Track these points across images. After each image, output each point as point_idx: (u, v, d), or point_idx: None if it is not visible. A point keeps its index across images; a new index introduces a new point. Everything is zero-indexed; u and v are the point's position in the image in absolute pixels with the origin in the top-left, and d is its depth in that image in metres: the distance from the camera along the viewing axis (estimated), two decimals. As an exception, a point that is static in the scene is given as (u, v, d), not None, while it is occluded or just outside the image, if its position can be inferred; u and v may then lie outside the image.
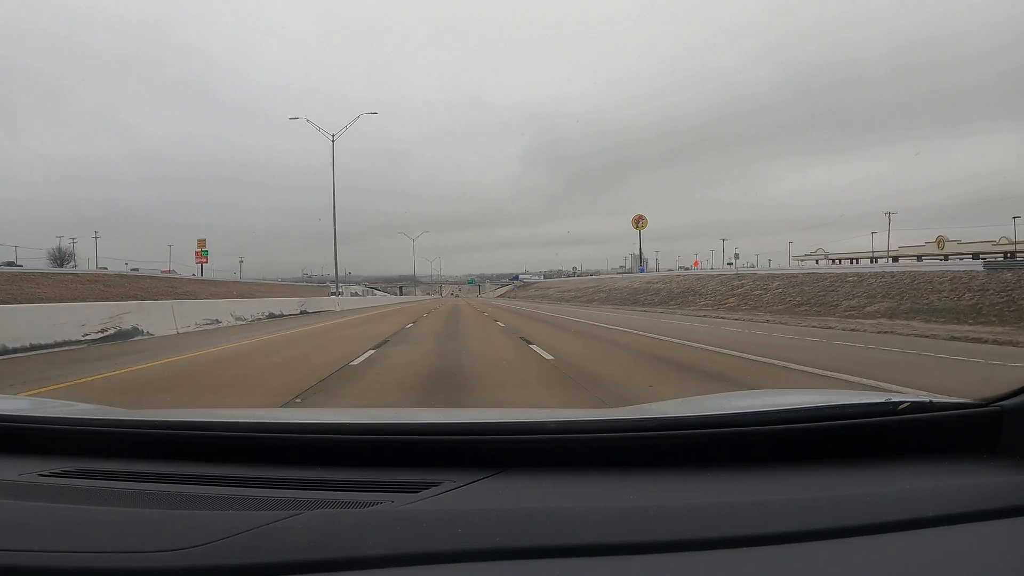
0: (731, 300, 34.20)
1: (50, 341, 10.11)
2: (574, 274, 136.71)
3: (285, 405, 4.96)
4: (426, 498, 1.01)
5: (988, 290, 20.07)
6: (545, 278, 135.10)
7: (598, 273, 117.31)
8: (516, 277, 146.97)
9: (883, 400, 1.18)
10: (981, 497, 0.97)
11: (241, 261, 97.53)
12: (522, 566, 0.84)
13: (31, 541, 0.90)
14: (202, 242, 71.04)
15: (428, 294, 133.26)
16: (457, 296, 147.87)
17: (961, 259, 44.37)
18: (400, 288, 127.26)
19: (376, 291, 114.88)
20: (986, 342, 10.87)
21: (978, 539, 0.89)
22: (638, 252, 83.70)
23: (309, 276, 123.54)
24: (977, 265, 25.49)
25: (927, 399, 1.18)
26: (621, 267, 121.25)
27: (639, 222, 74.64)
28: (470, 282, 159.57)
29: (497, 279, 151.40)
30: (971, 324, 15.92)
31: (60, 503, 1.03)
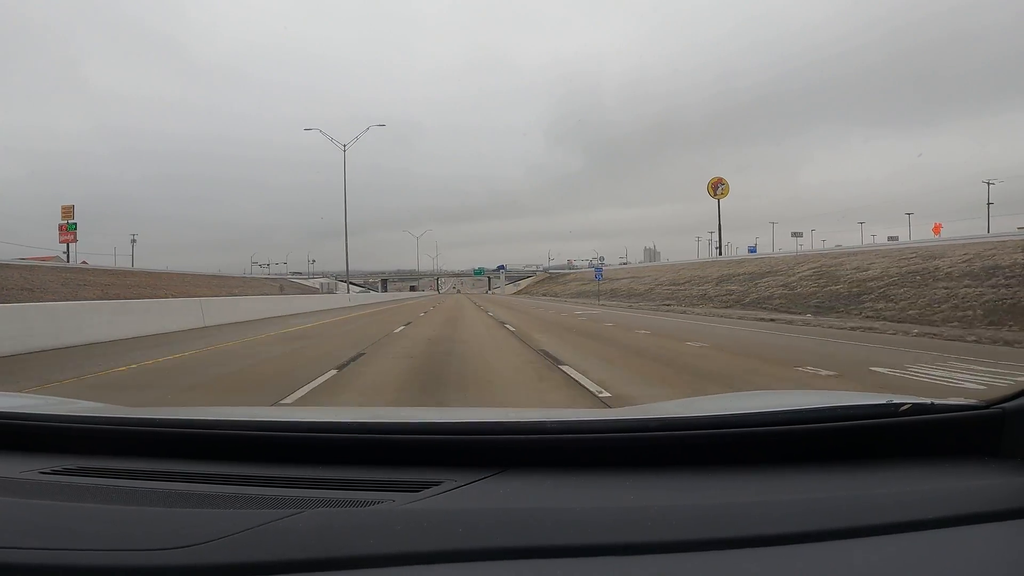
0: None
1: None
2: (600, 264, 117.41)
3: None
4: (427, 497, 1.01)
5: None
6: (549, 270, 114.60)
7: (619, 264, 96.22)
8: (502, 267, 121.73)
9: (884, 401, 1.18)
10: (982, 499, 0.97)
11: (133, 240, 74.84)
12: (523, 566, 0.84)
13: (32, 539, 0.91)
14: (68, 211, 45.97)
15: (412, 289, 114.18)
16: (458, 291, 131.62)
17: None
18: (383, 282, 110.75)
19: (356, 287, 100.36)
20: None
21: (979, 541, 0.89)
22: (715, 230, 56.04)
23: (263, 267, 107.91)
24: None
25: (928, 401, 1.18)
26: (640, 260, 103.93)
27: (717, 188, 53.32)
28: (477, 273, 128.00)
29: (512, 272, 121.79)
30: None
31: (62, 501, 1.03)
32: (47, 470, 1.19)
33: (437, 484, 1.05)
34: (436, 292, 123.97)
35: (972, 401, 1.18)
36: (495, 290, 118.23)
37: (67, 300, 24.16)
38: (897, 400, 1.17)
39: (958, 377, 6.91)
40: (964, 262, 20.19)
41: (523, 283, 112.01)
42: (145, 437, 1.33)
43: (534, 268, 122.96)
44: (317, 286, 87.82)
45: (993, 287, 17.15)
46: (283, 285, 66.10)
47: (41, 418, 1.44)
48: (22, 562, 0.85)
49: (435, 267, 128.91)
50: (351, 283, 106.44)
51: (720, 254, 54.04)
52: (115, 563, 0.85)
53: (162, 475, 1.16)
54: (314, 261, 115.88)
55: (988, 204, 65.14)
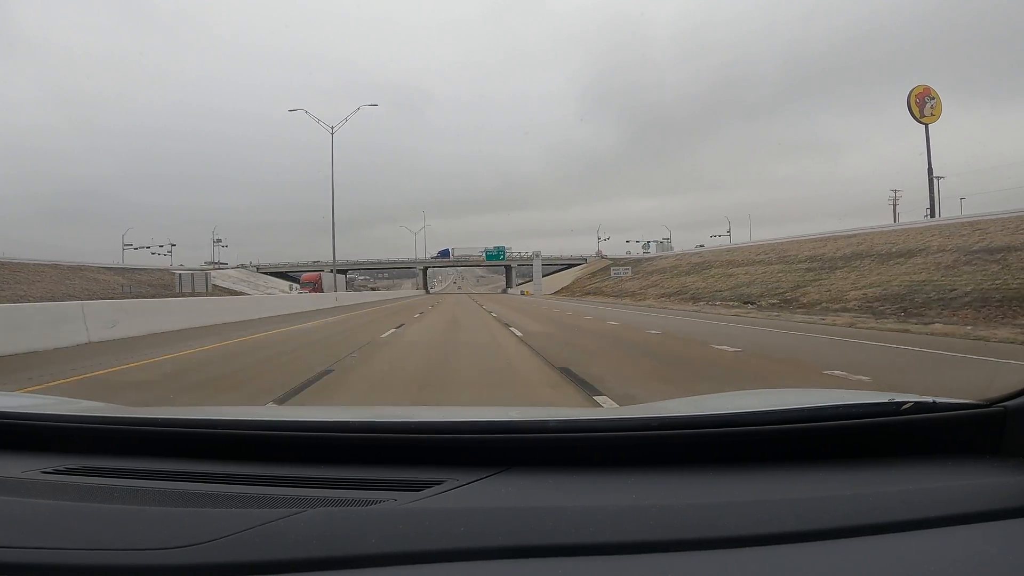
0: None
1: None
2: (649, 250, 77.81)
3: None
4: (429, 496, 1.01)
5: None
6: (605, 255, 77.36)
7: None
8: (500, 254, 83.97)
9: (886, 400, 1.18)
10: (983, 498, 0.97)
11: None
12: (525, 565, 0.84)
13: (34, 538, 0.91)
14: None
15: (368, 288, 79.56)
16: (459, 287, 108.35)
17: None
18: (337, 272, 68.90)
19: (277, 280, 69.92)
20: None
21: (980, 540, 0.89)
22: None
23: (152, 251, 73.58)
24: None
25: (930, 399, 1.18)
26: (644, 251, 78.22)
27: (924, 105, 36.17)
28: (492, 256, 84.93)
29: (547, 259, 79.55)
30: None
31: (63, 500, 1.04)
32: (49, 470, 1.19)
33: (439, 483, 1.05)
34: (423, 291, 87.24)
35: (973, 400, 1.18)
36: (524, 285, 78.66)
37: None
38: (899, 399, 1.17)
39: None
40: None
41: (566, 276, 73.58)
42: (147, 437, 1.33)
43: (581, 256, 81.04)
44: (187, 273, 57.49)
45: None
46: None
47: (43, 418, 1.45)
48: (24, 561, 0.85)
49: (417, 252, 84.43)
50: (271, 274, 72.60)
51: (932, 215, 36.95)
52: (117, 562, 0.85)
53: (164, 475, 1.16)
54: (220, 240, 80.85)
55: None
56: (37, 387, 6.04)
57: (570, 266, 79.36)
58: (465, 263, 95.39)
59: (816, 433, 1.15)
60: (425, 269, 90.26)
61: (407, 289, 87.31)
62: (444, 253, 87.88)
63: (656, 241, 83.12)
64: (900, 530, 0.89)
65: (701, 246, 67.88)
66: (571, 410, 2.72)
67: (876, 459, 1.14)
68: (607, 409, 3.40)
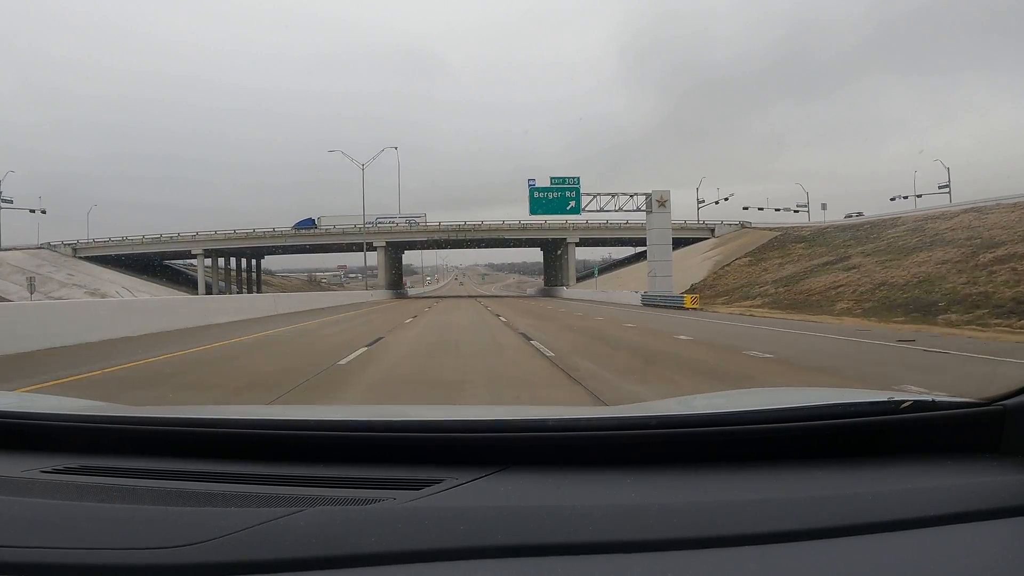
0: None
1: None
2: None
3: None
4: (428, 495, 1.01)
5: None
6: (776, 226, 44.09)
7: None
8: (569, 199, 33.61)
9: (885, 399, 1.18)
10: (983, 496, 0.97)
11: None
12: (524, 564, 0.84)
13: (33, 538, 0.91)
14: None
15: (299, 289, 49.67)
16: (460, 284, 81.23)
17: None
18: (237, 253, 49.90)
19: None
20: None
21: (980, 539, 0.89)
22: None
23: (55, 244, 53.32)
24: None
25: (929, 398, 1.18)
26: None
27: None
28: (550, 205, 34.96)
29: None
30: None
31: (62, 500, 1.04)
32: (48, 469, 1.19)
33: (438, 482, 1.05)
34: (390, 293, 52.23)
35: (973, 398, 1.18)
36: (602, 277, 47.25)
37: None
38: (898, 397, 1.17)
39: None
40: None
41: (685, 260, 41.03)
42: (146, 436, 1.33)
43: (703, 224, 50.33)
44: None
45: None
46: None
47: (42, 417, 1.44)
48: (24, 561, 0.86)
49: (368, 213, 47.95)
50: (101, 260, 49.09)
51: None
52: (117, 561, 0.86)
53: (163, 474, 1.16)
54: (11, 201, 51.61)
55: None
56: None
57: (694, 239, 46.36)
58: (472, 241, 55.49)
59: (816, 432, 1.16)
60: (399, 251, 51.63)
61: (379, 292, 49.90)
62: (306, 223, 57.82)
63: (789, 210, 57.47)
64: (899, 529, 0.89)
65: (860, 214, 44.80)
66: (570, 409, 2.72)
67: (875, 458, 1.14)
68: (606, 408, 3.40)
